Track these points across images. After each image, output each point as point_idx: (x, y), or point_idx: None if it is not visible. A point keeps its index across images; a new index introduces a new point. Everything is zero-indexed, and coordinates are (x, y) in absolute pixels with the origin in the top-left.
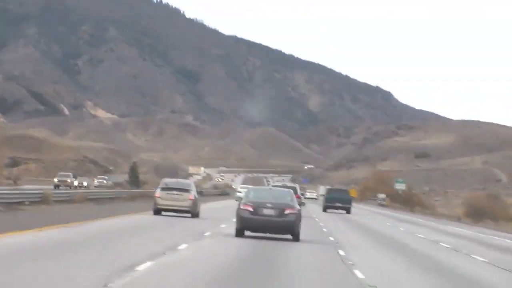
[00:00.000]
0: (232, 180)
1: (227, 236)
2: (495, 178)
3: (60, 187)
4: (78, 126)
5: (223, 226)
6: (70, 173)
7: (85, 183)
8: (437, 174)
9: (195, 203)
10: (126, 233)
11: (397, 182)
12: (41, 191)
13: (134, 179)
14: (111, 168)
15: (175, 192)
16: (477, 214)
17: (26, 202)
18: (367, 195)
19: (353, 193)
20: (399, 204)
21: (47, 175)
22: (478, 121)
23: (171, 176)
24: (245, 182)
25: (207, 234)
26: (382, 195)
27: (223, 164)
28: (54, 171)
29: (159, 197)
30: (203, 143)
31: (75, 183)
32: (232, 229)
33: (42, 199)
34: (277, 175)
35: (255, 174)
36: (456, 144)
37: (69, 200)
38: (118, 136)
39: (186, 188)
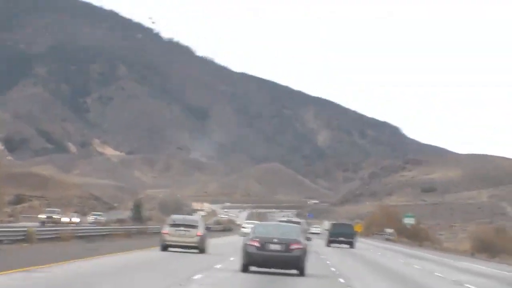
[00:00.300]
0: (237, 216)
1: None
2: (502, 211)
3: (47, 224)
4: (84, 164)
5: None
6: (58, 209)
7: (75, 219)
8: (444, 209)
9: (202, 239)
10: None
11: (406, 216)
12: (25, 229)
13: (138, 215)
14: (115, 204)
15: (182, 228)
16: (484, 249)
17: (5, 241)
18: (373, 229)
19: (358, 228)
20: (406, 239)
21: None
22: (486, 155)
23: (176, 212)
24: (249, 217)
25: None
26: (389, 230)
27: (228, 200)
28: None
29: (167, 233)
30: (209, 179)
31: (64, 219)
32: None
33: (26, 237)
34: (280, 210)
35: (260, 210)
36: (463, 178)
37: (55, 238)
38: (125, 173)
39: (194, 224)
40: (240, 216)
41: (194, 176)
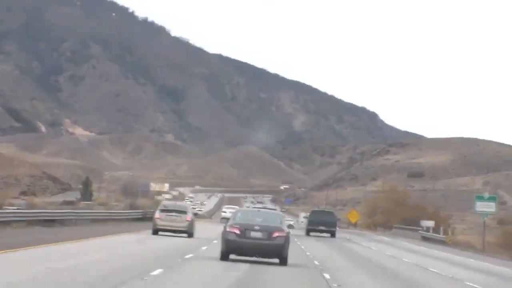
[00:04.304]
0: (203, 202)
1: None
2: (500, 200)
3: None
4: (52, 143)
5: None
6: None
7: None
8: (435, 196)
9: (191, 224)
10: None
11: (481, 199)
12: None
13: (86, 196)
14: (75, 186)
15: (173, 214)
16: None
17: None
18: (391, 220)
19: (352, 216)
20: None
21: None
22: (476, 139)
23: (134, 195)
24: (220, 202)
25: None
26: (428, 222)
27: (200, 183)
28: (2, 188)
29: (158, 218)
30: (181, 162)
31: None
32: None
33: None
34: (257, 195)
35: (232, 195)
36: (452, 163)
37: None
38: (93, 154)
39: (184, 210)
40: (209, 201)
41: (166, 158)
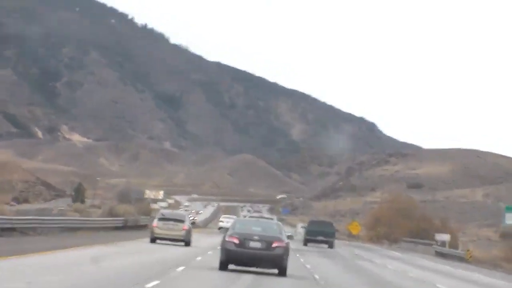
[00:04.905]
0: (198, 212)
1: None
2: (502, 212)
3: None
4: (49, 149)
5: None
6: None
7: None
8: (434, 207)
9: (188, 232)
10: None
11: (511, 210)
12: None
13: (78, 202)
14: (67, 192)
15: (171, 222)
16: None
17: None
18: (394, 232)
19: (354, 228)
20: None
21: None
22: (477, 150)
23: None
24: (216, 212)
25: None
26: (444, 236)
27: (196, 191)
28: None
29: (156, 226)
30: (178, 170)
31: None
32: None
33: None
34: (254, 204)
35: (229, 204)
36: (452, 175)
37: None
38: (90, 161)
39: (181, 219)
40: (205, 210)
41: (163, 166)
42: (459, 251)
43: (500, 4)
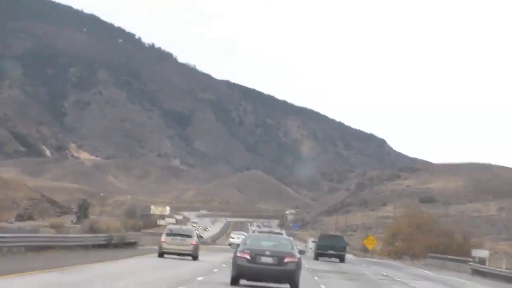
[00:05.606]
0: (207, 228)
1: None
2: None
3: None
4: (57, 168)
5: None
6: None
7: None
8: (447, 222)
9: (196, 247)
10: None
11: None
12: None
13: (81, 219)
14: (73, 209)
15: (178, 237)
16: None
17: None
18: (402, 246)
19: (370, 242)
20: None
21: None
22: (490, 165)
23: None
24: (225, 228)
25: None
26: (483, 252)
27: (205, 208)
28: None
29: (164, 241)
30: (187, 187)
31: None
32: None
33: None
34: (264, 220)
35: (238, 219)
36: (464, 189)
37: None
38: (98, 178)
39: (189, 234)
40: (214, 226)
41: (171, 183)
42: (503, 269)
43: None
